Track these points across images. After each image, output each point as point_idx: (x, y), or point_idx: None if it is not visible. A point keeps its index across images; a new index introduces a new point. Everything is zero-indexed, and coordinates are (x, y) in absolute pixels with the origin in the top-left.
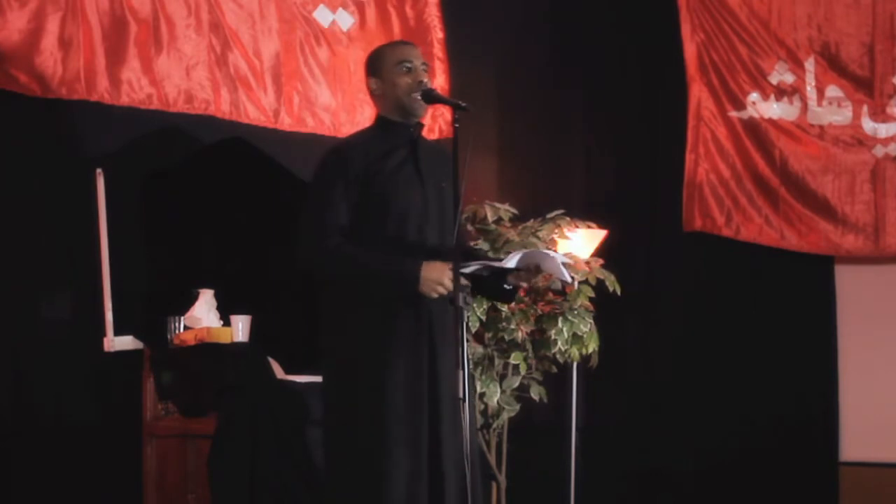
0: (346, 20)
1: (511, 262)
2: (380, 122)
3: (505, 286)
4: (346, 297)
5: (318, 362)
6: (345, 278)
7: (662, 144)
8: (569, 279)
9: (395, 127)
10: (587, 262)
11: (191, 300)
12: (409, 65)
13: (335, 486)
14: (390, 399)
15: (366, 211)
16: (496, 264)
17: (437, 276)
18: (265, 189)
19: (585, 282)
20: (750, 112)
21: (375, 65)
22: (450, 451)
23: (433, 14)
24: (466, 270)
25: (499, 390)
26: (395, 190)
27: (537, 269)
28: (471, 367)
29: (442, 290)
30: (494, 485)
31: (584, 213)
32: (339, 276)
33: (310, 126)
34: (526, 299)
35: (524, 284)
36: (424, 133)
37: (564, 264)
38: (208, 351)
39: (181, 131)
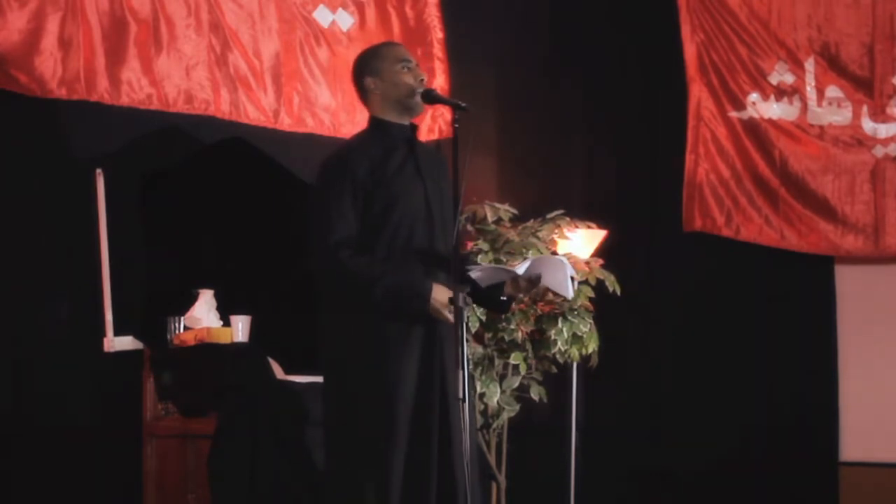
0: (345, 20)
1: (521, 268)
2: (375, 123)
3: (501, 297)
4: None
5: (319, 362)
6: (356, 295)
7: (662, 144)
8: (570, 295)
9: (391, 128)
10: (587, 263)
11: (191, 300)
12: (409, 64)
13: (334, 487)
14: (395, 401)
15: (371, 213)
16: (504, 268)
17: (447, 300)
18: (265, 189)
19: (585, 282)
20: (750, 112)
21: (373, 64)
22: (457, 451)
23: (433, 14)
24: (473, 274)
25: (499, 390)
26: (398, 191)
27: (536, 280)
28: (470, 367)
29: (448, 315)
30: (494, 485)
31: (583, 213)
32: (351, 293)
33: (309, 126)
34: (525, 299)
35: (520, 295)
36: (424, 134)
37: (572, 277)
38: (208, 351)
39: (181, 131)
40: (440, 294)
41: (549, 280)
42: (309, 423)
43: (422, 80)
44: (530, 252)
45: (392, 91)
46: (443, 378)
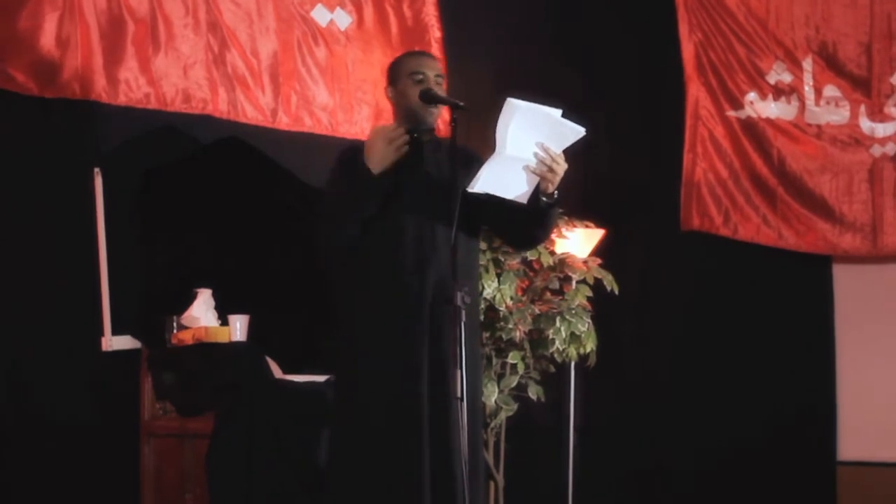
0: (343, 19)
1: (508, 148)
2: None
3: (544, 200)
4: (354, 298)
5: (331, 362)
6: (333, 216)
7: (660, 144)
8: (581, 130)
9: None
10: (585, 262)
11: (188, 299)
12: (420, 76)
13: (336, 486)
14: (392, 401)
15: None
16: (501, 158)
17: (371, 144)
18: (263, 188)
19: (583, 281)
20: (748, 112)
21: (392, 73)
22: (454, 451)
23: (431, 13)
24: (504, 195)
25: (497, 390)
26: (397, 189)
27: (550, 150)
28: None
29: (384, 141)
30: (492, 484)
31: (581, 212)
32: (331, 220)
33: (307, 125)
34: (524, 299)
35: (549, 174)
36: None
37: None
38: (206, 350)
39: (179, 131)
40: (367, 144)
41: (556, 141)
42: (307, 423)
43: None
44: (528, 251)
45: (402, 101)
46: (440, 375)
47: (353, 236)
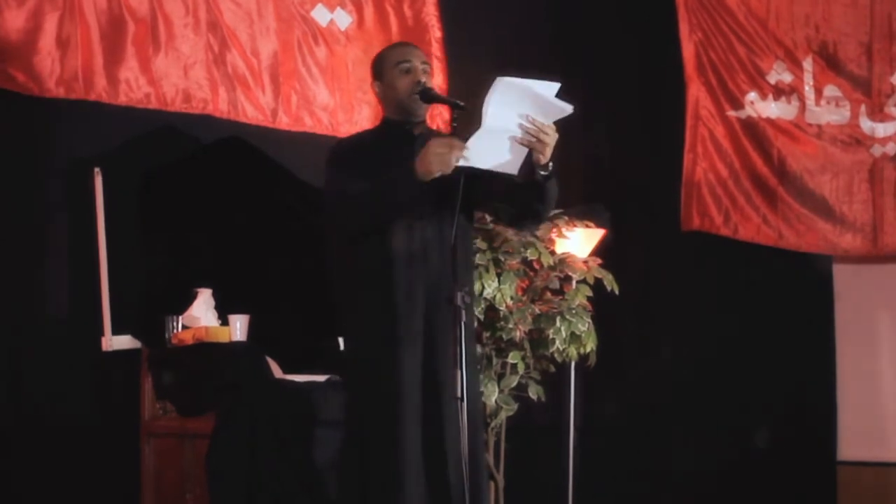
0: (343, 19)
1: (490, 119)
2: (383, 122)
3: (540, 172)
4: (352, 298)
5: (331, 362)
6: (357, 211)
7: (661, 144)
8: (569, 108)
9: (396, 126)
10: (585, 262)
11: (189, 299)
12: (407, 65)
13: (343, 482)
14: (389, 402)
15: None
16: (485, 131)
17: (429, 149)
18: (263, 188)
19: (584, 281)
20: (748, 111)
21: (378, 68)
22: (451, 451)
23: (431, 13)
24: (491, 167)
25: (497, 389)
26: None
27: (538, 122)
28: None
29: (443, 156)
30: (492, 484)
31: (582, 212)
32: (351, 212)
33: (308, 125)
34: (524, 298)
35: (538, 144)
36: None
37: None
38: (206, 350)
39: (179, 130)
40: (422, 154)
41: (540, 114)
42: (307, 423)
43: (418, 80)
44: (528, 251)
45: (390, 94)
46: (438, 376)
47: (370, 231)
